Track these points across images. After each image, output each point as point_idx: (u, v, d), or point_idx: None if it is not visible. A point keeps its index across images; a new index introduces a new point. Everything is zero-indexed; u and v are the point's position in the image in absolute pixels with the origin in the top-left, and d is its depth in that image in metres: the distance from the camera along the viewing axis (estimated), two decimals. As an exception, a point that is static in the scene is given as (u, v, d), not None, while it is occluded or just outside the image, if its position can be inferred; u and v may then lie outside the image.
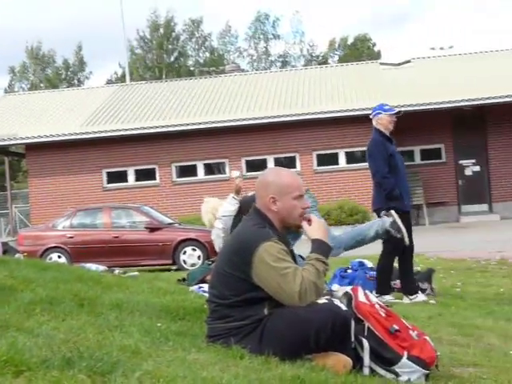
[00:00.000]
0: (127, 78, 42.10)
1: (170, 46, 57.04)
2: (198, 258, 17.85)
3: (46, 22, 77.41)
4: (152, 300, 5.57)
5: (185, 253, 18.02)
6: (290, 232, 4.62)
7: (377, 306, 4.28)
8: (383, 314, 4.24)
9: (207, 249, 17.69)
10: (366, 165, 30.95)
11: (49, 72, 58.24)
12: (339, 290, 6.04)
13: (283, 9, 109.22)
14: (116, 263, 17.25)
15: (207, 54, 58.30)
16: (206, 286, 7.28)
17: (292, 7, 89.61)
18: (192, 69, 57.43)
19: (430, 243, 18.54)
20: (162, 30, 57.13)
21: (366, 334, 4.13)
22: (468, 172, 27.44)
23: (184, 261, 17.93)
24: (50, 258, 17.93)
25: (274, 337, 4.01)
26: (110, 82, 56.94)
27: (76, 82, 60.01)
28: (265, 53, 58.74)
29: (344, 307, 4.13)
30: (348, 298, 4.32)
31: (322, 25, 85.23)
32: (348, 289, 4.42)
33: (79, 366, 3.16)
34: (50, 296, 5.02)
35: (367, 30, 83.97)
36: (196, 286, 7.45)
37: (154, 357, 3.63)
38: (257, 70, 52.04)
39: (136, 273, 10.29)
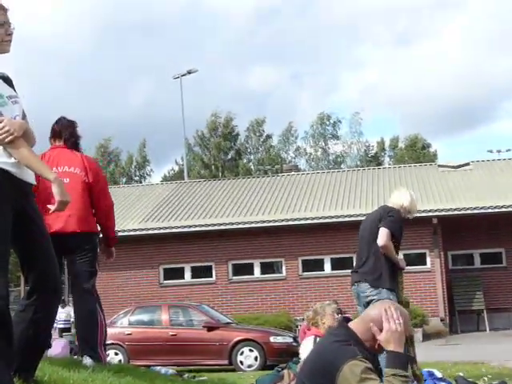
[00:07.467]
0: (185, 175, 42.70)
1: (228, 145, 57.63)
2: (255, 359, 17.57)
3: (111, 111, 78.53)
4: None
5: (242, 353, 17.78)
6: None
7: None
8: None
9: (264, 350, 17.47)
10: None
11: (111, 168, 58.20)
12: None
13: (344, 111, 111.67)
14: (173, 362, 17.11)
15: (264, 154, 58.94)
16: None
17: (352, 109, 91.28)
18: (251, 167, 58.15)
19: (493, 351, 18.05)
20: (220, 130, 57.87)
21: None
22: (530, 277, 26.91)
23: (241, 361, 17.66)
24: (108, 355, 17.83)
25: None
26: (165, 178, 57.48)
27: (138, 177, 60.52)
28: (323, 153, 59.25)
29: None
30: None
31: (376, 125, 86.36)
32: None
33: None
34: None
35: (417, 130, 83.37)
36: (266, 394, 7.31)
37: None
38: (314, 169, 52.34)
39: (205, 377, 10.18)
